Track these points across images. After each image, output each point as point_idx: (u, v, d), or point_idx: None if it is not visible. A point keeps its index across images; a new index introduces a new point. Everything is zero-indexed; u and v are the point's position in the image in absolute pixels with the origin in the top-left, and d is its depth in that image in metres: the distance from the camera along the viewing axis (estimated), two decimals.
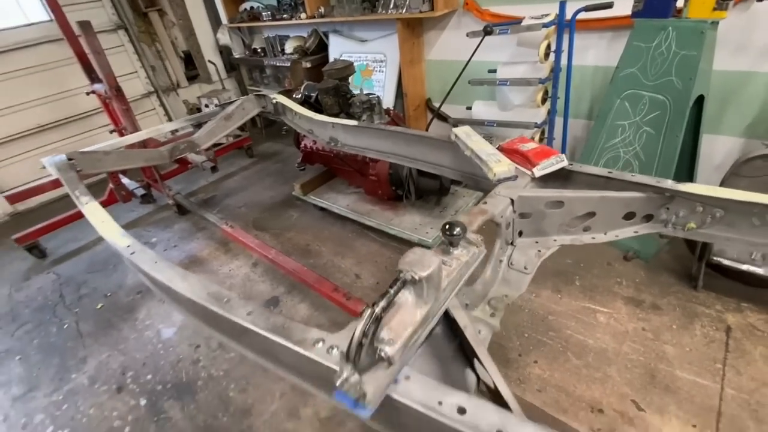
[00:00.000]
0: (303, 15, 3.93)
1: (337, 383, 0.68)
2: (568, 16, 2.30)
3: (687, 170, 2.39)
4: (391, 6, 3.19)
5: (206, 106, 4.68)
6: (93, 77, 3.28)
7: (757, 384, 1.71)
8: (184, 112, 5.12)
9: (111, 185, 3.31)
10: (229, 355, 2.21)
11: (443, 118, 3.65)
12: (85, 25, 2.80)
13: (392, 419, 0.76)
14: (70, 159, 1.90)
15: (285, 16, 4.18)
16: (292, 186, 3.39)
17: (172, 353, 2.28)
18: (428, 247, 1.47)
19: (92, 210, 1.57)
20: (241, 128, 4.71)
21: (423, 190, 2.70)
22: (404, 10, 3.12)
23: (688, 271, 2.22)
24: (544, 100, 2.65)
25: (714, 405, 1.66)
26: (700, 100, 2.10)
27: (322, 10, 3.73)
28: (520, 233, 1.36)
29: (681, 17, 1.91)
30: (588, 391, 1.78)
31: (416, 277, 0.76)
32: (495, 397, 0.83)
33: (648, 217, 1.28)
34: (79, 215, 3.39)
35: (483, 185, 1.66)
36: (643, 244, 2.35)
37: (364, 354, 0.69)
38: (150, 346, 2.34)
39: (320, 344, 0.83)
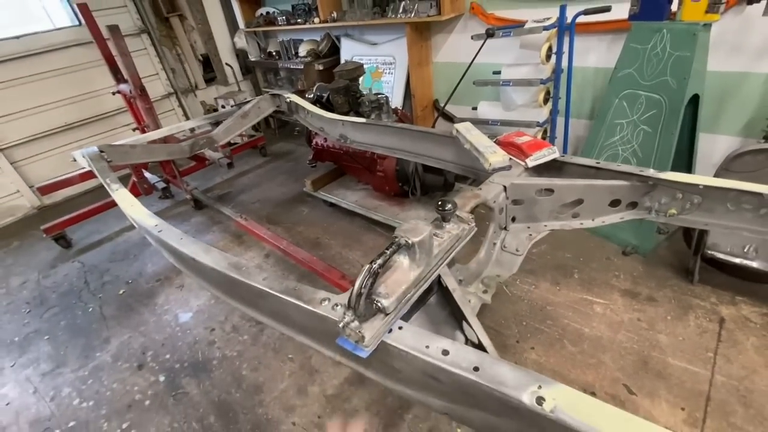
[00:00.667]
0: (316, 19, 4.10)
1: (340, 325, 0.79)
2: (569, 19, 2.40)
3: (685, 168, 2.46)
4: (401, 11, 3.33)
5: (222, 106, 4.87)
6: (119, 78, 3.48)
7: (747, 372, 1.77)
8: (201, 113, 5.34)
9: (134, 178, 3.49)
10: (242, 337, 2.34)
11: (449, 118, 3.77)
12: (113, 29, 2.99)
13: (386, 363, 0.88)
14: (101, 151, 2.06)
15: (299, 20, 4.36)
16: (304, 183, 3.54)
17: (189, 335, 2.42)
18: None
19: (122, 195, 1.72)
20: (256, 128, 4.92)
21: (428, 186, 2.81)
22: (413, 15, 3.26)
23: (685, 266, 2.29)
24: (546, 100, 2.75)
25: (704, 390, 1.72)
26: (696, 99, 2.18)
27: (334, 14, 3.89)
28: (513, 219, 1.46)
29: (675, 20, 2.00)
30: (582, 375, 1.86)
31: (409, 242, 0.87)
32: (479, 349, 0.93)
33: (633, 205, 1.37)
34: (103, 208, 3.61)
35: (482, 177, 1.77)
36: (642, 239, 2.42)
37: (363, 304, 0.81)
38: (168, 329, 2.49)
39: (326, 302, 0.95)
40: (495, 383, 0.70)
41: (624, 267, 2.41)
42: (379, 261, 0.82)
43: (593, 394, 1.77)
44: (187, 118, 5.25)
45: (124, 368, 2.28)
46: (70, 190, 4.35)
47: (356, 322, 0.81)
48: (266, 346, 2.27)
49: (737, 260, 1.97)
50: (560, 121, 2.82)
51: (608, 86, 2.33)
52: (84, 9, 3.15)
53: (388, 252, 0.85)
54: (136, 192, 3.68)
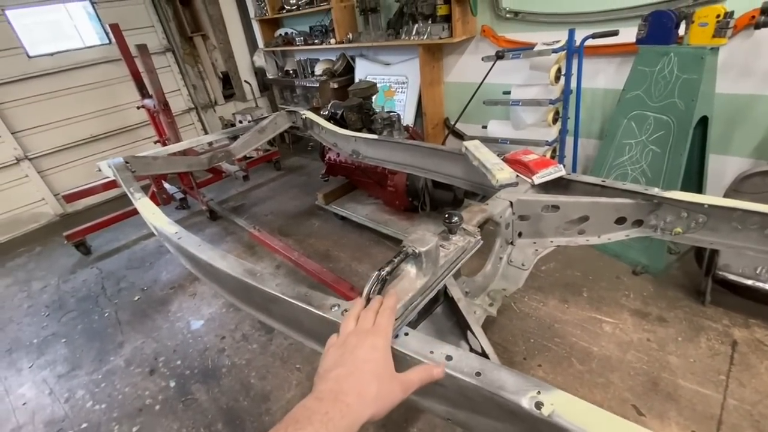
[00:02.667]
0: (333, 40, 4.26)
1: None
2: (577, 42, 2.47)
3: (696, 188, 2.46)
4: (414, 33, 3.45)
5: (240, 122, 5.04)
6: (144, 93, 3.66)
7: (760, 396, 1.73)
8: (220, 127, 5.53)
9: (153, 188, 3.61)
10: (251, 346, 2.38)
11: (459, 136, 3.83)
12: (141, 48, 3.17)
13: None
14: (126, 162, 2.17)
15: (316, 41, 4.54)
16: (316, 196, 3.62)
17: (200, 342, 2.47)
18: None
19: (144, 204, 1.80)
20: (271, 143, 5.06)
21: (438, 201, 2.86)
22: (426, 37, 3.37)
23: (696, 287, 2.26)
24: (555, 120, 2.79)
25: (715, 414, 1.69)
26: (704, 120, 2.20)
27: (350, 36, 4.05)
28: (520, 234, 1.49)
29: (682, 44, 2.05)
30: (589, 394, 1.84)
31: (417, 251, 0.92)
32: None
33: (638, 222, 1.39)
34: (121, 217, 3.75)
35: (489, 193, 1.81)
36: (652, 258, 2.41)
37: None
38: (180, 336, 2.55)
39: (336, 308, 0.99)
40: (495, 388, 0.72)
41: (634, 286, 2.39)
42: (387, 268, 0.87)
43: None
44: (206, 133, 5.44)
45: (136, 373, 2.33)
46: (91, 199, 4.51)
47: None
48: (275, 355, 2.30)
49: (749, 282, 1.96)
50: (569, 140, 2.86)
51: (617, 107, 2.38)
52: (115, 29, 3.35)
53: (396, 260, 0.90)
54: (155, 201, 3.74)
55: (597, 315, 2.24)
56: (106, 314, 2.87)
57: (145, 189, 3.94)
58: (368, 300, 0.84)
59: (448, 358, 0.81)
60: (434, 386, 0.83)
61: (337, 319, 0.95)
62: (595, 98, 2.84)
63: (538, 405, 0.68)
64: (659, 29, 2.08)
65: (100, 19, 4.50)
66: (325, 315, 0.98)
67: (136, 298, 2.98)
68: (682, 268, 2.45)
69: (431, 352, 0.83)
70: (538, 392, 0.70)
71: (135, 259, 3.51)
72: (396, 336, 0.88)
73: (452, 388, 0.80)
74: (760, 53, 2.19)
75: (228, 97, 5.68)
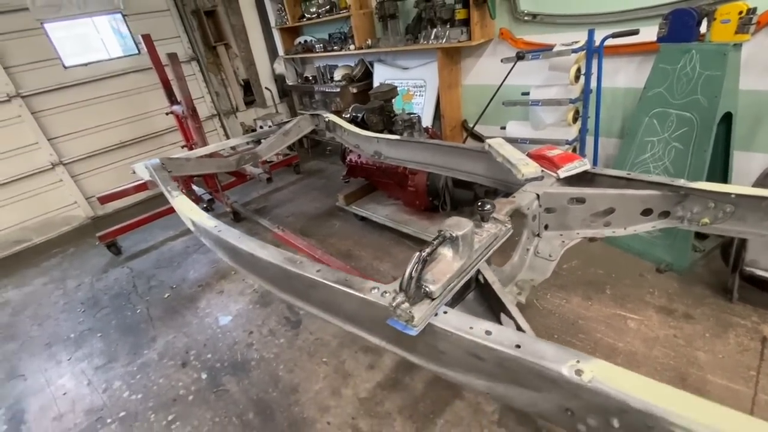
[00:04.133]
0: (352, 46, 4.38)
1: (394, 304, 0.89)
2: (597, 42, 2.50)
3: None
4: (432, 37, 3.52)
5: (261, 127, 5.19)
6: (172, 100, 3.82)
7: None
8: (240, 133, 5.69)
9: (182, 190, 3.76)
10: (278, 340, 2.45)
11: (478, 138, 3.87)
12: (172, 56, 3.33)
13: (431, 346, 0.96)
14: (162, 163, 2.29)
15: (335, 47, 4.66)
16: (336, 198, 3.70)
17: (229, 337, 2.55)
18: None
19: (182, 201, 1.90)
20: (290, 147, 5.18)
21: (458, 200, 2.90)
22: (444, 41, 3.44)
23: (723, 284, 2.24)
24: (575, 119, 2.82)
25: (746, 409, 1.68)
26: (728, 117, 2.20)
27: (369, 41, 4.15)
28: (546, 227, 1.53)
29: (704, 41, 2.06)
30: None
31: (454, 235, 0.97)
32: None
33: (665, 214, 1.41)
34: (150, 219, 3.89)
35: (513, 189, 1.85)
36: (677, 256, 2.40)
37: (413, 288, 0.90)
38: (209, 331, 2.64)
39: (375, 290, 1.04)
40: (536, 358, 0.77)
41: (658, 284, 2.39)
42: (428, 250, 0.93)
43: None
44: (228, 138, 5.60)
45: (169, 365, 2.42)
46: (119, 203, 4.69)
47: (406, 304, 0.91)
48: (301, 349, 2.36)
49: None
50: (589, 139, 2.88)
51: (638, 105, 2.39)
52: (147, 39, 3.52)
53: (435, 243, 0.95)
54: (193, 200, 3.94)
55: (621, 312, 2.24)
56: (138, 311, 2.99)
57: None
58: (410, 279, 0.89)
59: (488, 332, 0.86)
60: (474, 360, 0.88)
61: (378, 300, 1.01)
62: (616, 97, 2.86)
63: (578, 372, 0.72)
64: (681, 27, 2.10)
65: (130, 31, 4.72)
66: (365, 297, 1.04)
67: (166, 296, 3.10)
68: (708, 266, 2.43)
69: (471, 328, 0.88)
70: (578, 361, 0.74)
71: (163, 259, 3.64)
72: (435, 314, 0.94)
73: (492, 361, 0.85)
74: None
75: (249, 103, 5.85)
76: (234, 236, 1.49)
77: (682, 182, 1.34)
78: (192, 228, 1.93)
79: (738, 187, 1.24)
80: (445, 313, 0.94)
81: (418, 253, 0.92)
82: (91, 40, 4.66)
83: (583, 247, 2.72)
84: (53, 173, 4.47)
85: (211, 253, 3.58)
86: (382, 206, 3.49)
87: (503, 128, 3.33)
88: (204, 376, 2.30)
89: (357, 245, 3.33)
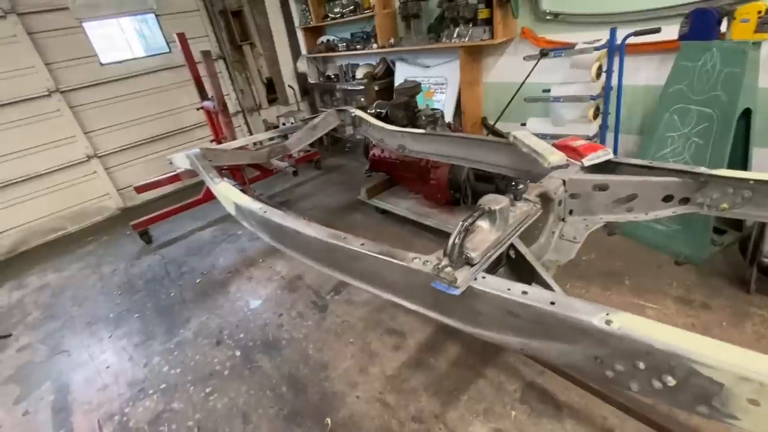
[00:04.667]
0: (374, 45, 4.50)
1: (440, 266, 1.00)
2: (619, 40, 2.57)
3: None
4: (455, 36, 3.62)
5: (283, 123, 5.35)
6: (203, 96, 3.99)
7: None
8: (263, 130, 5.86)
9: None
10: (307, 322, 2.58)
11: (499, 134, 3.96)
12: (206, 54, 3.50)
13: (470, 308, 1.06)
14: (202, 153, 2.44)
15: (358, 46, 4.79)
16: (358, 191, 3.82)
17: (260, 319, 2.69)
18: None
19: (225, 187, 2.05)
20: (311, 144, 5.34)
21: (479, 194, 2.97)
22: (467, 39, 3.54)
23: (740, 277, 2.29)
24: (595, 116, 2.89)
25: None
26: (748, 113, 2.25)
27: (392, 40, 4.27)
28: (571, 212, 1.62)
29: (724, 39, 2.13)
30: None
31: (492, 208, 1.08)
32: None
33: (685, 200, 1.50)
34: (181, 209, 4.06)
35: (538, 179, 1.94)
36: (696, 249, 2.46)
37: (456, 253, 1.02)
38: (241, 313, 2.79)
39: (417, 260, 1.16)
40: (569, 311, 0.87)
41: (677, 276, 2.44)
42: (470, 220, 1.04)
43: None
44: (251, 134, 5.78)
45: (204, 344, 2.57)
46: (147, 195, 4.88)
47: (450, 268, 1.02)
48: (329, 331, 2.49)
49: None
50: (609, 135, 2.94)
51: (659, 101, 2.46)
52: (182, 37, 3.70)
53: (476, 215, 1.06)
54: (209, 197, 4.09)
55: (640, 301, 2.30)
56: (172, 294, 3.16)
57: (201, 186, 4.25)
58: (454, 246, 1.00)
59: (524, 292, 0.96)
60: (510, 318, 0.99)
61: (420, 268, 1.12)
62: (636, 95, 2.92)
63: (608, 322, 0.82)
64: (702, 26, 2.17)
65: (161, 30, 4.93)
66: (408, 265, 1.16)
67: (198, 281, 3.26)
68: (726, 260, 2.48)
69: (508, 289, 0.99)
70: (607, 314, 0.84)
71: (193, 248, 3.81)
72: (475, 279, 1.05)
73: (528, 317, 0.95)
74: None
75: (271, 101, 6.02)
76: (279, 216, 1.62)
77: (702, 169, 1.42)
78: (233, 212, 2.08)
79: (756, 173, 1.32)
80: (484, 278, 1.05)
81: (461, 223, 1.03)
82: (116, 40, 4.85)
83: (602, 240, 2.82)
84: (88, 165, 4.70)
85: (239, 242, 3.75)
86: (403, 200, 3.59)
87: (523, 125, 3.41)
88: (238, 353, 2.44)
89: (378, 237, 3.43)
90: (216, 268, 3.40)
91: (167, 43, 5.00)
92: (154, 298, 3.14)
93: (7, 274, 3.99)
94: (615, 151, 2.99)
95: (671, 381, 0.76)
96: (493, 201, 1.09)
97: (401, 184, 3.74)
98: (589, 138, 2.88)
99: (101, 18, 4.50)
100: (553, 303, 0.90)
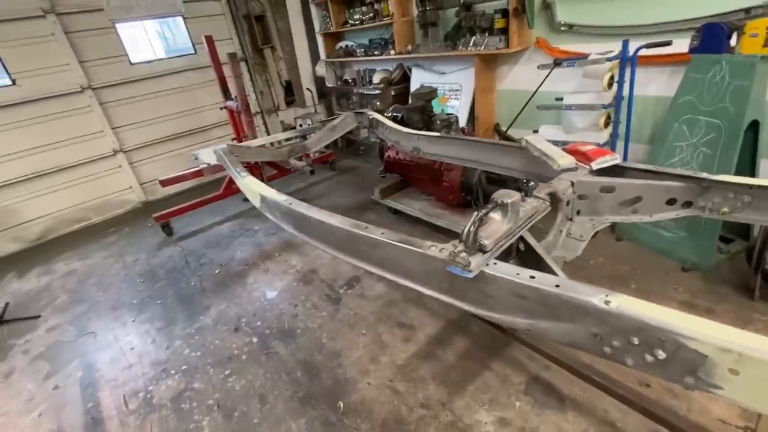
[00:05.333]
0: (392, 51, 4.65)
1: (456, 250, 1.11)
2: (631, 52, 2.66)
3: None
4: (471, 44, 3.74)
5: (300, 125, 5.52)
6: (227, 96, 4.17)
7: None
8: (280, 130, 6.03)
9: (229, 179, 4.09)
10: (321, 313, 2.70)
11: (511, 140, 4.05)
12: (232, 56, 3.67)
13: (481, 291, 1.17)
14: (229, 149, 2.59)
15: (376, 52, 4.94)
16: (371, 191, 3.94)
17: (276, 308, 2.82)
18: None
19: (251, 180, 2.18)
20: (326, 146, 5.49)
21: (491, 196, 3.08)
22: (483, 48, 3.66)
23: (746, 285, 2.35)
24: (606, 124, 2.97)
25: None
26: (756, 125, 2.32)
27: (409, 47, 4.41)
28: (579, 212, 1.71)
29: (734, 53, 2.20)
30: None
31: (504, 202, 1.19)
32: None
33: (688, 204, 1.57)
34: (200, 204, 4.23)
35: (547, 181, 2.03)
36: (702, 256, 2.51)
37: (471, 240, 1.12)
38: (258, 303, 2.91)
39: (433, 247, 1.26)
40: (573, 293, 0.97)
41: (683, 281, 2.50)
42: (484, 211, 1.14)
43: (648, 386, 1.90)
44: (269, 134, 5.96)
45: (223, 330, 2.70)
46: (167, 190, 5.09)
47: (464, 254, 1.12)
48: (342, 322, 2.60)
49: None
50: (620, 144, 3.02)
51: (668, 111, 2.54)
52: (209, 39, 3.89)
53: (489, 207, 1.17)
54: (229, 192, 4.26)
55: None
56: (192, 283, 3.30)
57: (219, 182, 4.41)
58: (469, 233, 1.11)
59: (532, 277, 1.06)
60: (518, 300, 1.09)
61: (436, 255, 1.23)
62: (647, 105, 2.99)
63: (607, 302, 0.92)
64: (712, 39, 2.25)
65: (188, 32, 5.15)
66: (425, 252, 1.26)
67: (217, 272, 3.40)
68: (732, 268, 2.53)
69: (517, 274, 1.09)
70: (606, 295, 0.94)
71: (211, 241, 3.97)
72: (487, 265, 1.15)
73: (535, 299, 1.05)
74: None
75: (289, 103, 6.21)
76: (304, 207, 1.75)
77: (704, 175, 1.50)
78: (258, 204, 2.21)
79: (756, 179, 1.40)
80: (495, 264, 1.15)
81: (476, 213, 1.13)
82: (140, 41, 5.06)
83: (610, 245, 2.89)
84: (114, 159, 4.91)
85: (256, 237, 3.89)
86: (416, 201, 3.70)
87: (536, 131, 3.50)
88: (255, 340, 2.57)
89: None
90: (234, 261, 3.54)
91: (193, 45, 5.21)
92: (175, 287, 3.29)
93: (36, 260, 4.19)
94: (625, 158, 3.07)
95: (662, 354, 0.85)
96: (506, 195, 1.20)
97: (414, 185, 3.85)
98: (599, 146, 2.95)
99: (133, 19, 4.73)
100: (557, 286, 1.00)
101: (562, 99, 3.15)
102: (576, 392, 1.92)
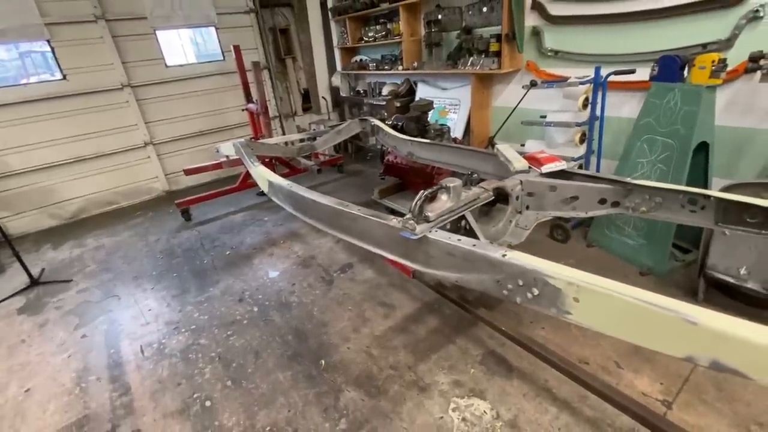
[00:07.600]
0: (400, 67, 5.08)
1: (407, 217, 1.46)
2: (602, 77, 2.99)
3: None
4: (469, 64, 4.13)
5: (313, 129, 5.97)
6: (249, 99, 4.64)
7: None
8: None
9: (245, 174, 4.53)
10: (315, 291, 3.06)
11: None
12: (256, 64, 4.14)
13: (426, 253, 1.51)
14: (246, 143, 3.01)
15: (386, 67, 5.38)
16: (372, 192, 4.31)
17: (276, 285, 3.19)
18: None
19: (262, 169, 2.58)
20: (336, 150, 5.93)
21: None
22: (479, 68, 4.04)
23: (695, 289, 2.61)
24: (582, 140, 3.29)
25: (684, 374, 2.07)
26: (705, 146, 2.62)
27: (415, 64, 4.83)
28: (527, 207, 2.05)
29: (685, 82, 2.52)
30: (580, 350, 2.28)
31: (447, 185, 1.54)
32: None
33: (615, 204, 1.90)
34: (218, 194, 4.67)
35: None
36: (657, 262, 2.79)
37: (417, 212, 1.48)
38: (261, 280, 3.29)
39: (395, 220, 1.62)
40: (484, 250, 1.31)
41: (638, 284, 2.66)
42: (429, 191, 1.50)
43: (587, 364, 2.19)
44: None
45: (228, 300, 3.08)
46: (189, 180, 5.59)
47: (412, 222, 1.48)
48: (332, 299, 2.95)
49: (731, 280, 2.32)
50: (593, 159, 3.33)
51: (632, 131, 2.85)
52: (237, 49, 4.38)
53: (435, 188, 1.53)
54: (244, 186, 4.69)
55: None
56: (205, 261, 3.71)
57: (234, 178, 4.84)
58: (416, 206, 1.47)
59: (459, 239, 1.41)
60: (450, 258, 1.44)
61: (396, 225, 1.59)
62: (620, 125, 3.31)
63: (504, 255, 1.26)
64: (667, 70, 2.58)
65: (219, 41, 5.69)
66: (388, 223, 1.62)
67: (227, 253, 3.81)
68: (686, 274, 2.80)
69: (449, 238, 1.43)
70: (505, 252, 1.28)
71: (225, 227, 4.39)
72: (430, 231, 1.50)
73: (460, 255, 1.40)
74: (759, 94, 2.59)
75: (305, 109, 6.69)
76: (302, 189, 2.13)
77: (628, 179, 1.82)
78: (266, 189, 2.60)
79: (665, 184, 1.72)
80: (436, 231, 1.50)
81: (421, 192, 1.49)
82: (174, 46, 5.60)
83: (580, 251, 3.19)
84: (144, 150, 5.43)
85: (265, 227, 4.29)
86: (410, 201, 4.03)
87: (523, 145, 3.84)
88: (255, 309, 2.94)
89: None
90: (243, 245, 3.94)
91: (222, 52, 5.75)
92: (190, 263, 3.71)
93: (69, 236, 4.69)
94: (597, 171, 3.38)
95: (536, 291, 1.18)
96: (450, 181, 1.55)
97: (410, 188, 4.21)
98: (575, 159, 3.28)
99: (171, 27, 5.29)
100: (474, 245, 1.35)
101: (545, 116, 3.49)
102: (524, 365, 2.22)
